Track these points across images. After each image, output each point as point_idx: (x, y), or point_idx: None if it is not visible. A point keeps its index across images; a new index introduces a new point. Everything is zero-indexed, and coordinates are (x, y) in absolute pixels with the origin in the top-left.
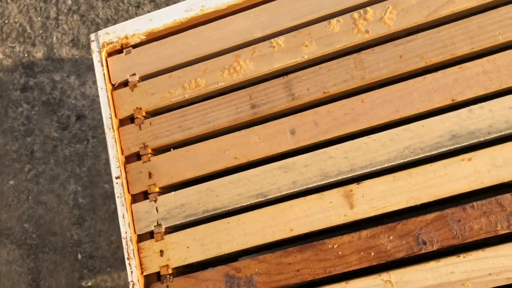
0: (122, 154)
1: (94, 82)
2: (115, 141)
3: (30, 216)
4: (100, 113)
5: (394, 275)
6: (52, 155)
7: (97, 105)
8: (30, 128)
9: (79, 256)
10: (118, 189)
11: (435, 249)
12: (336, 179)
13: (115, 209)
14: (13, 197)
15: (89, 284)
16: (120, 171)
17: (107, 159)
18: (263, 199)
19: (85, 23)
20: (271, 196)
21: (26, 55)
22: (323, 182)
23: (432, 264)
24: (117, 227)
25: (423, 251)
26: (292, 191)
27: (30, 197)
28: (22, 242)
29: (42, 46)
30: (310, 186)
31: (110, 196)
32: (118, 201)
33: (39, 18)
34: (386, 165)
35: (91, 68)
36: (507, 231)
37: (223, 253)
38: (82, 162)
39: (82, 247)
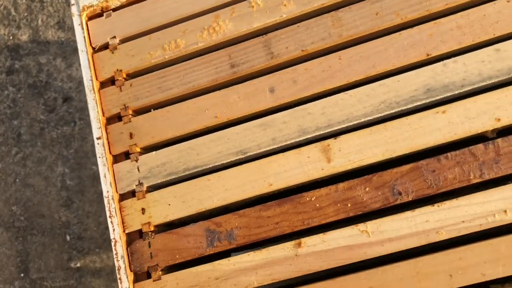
0: (103, 115)
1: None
2: (96, 103)
3: (18, 198)
4: None
5: (371, 225)
6: (39, 137)
7: (84, 87)
8: (16, 111)
9: (68, 237)
10: (100, 149)
11: (410, 199)
12: (314, 134)
13: None
14: (0, 180)
15: (78, 265)
16: (101, 132)
17: None
18: (243, 156)
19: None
20: (251, 153)
21: (11, 38)
22: (301, 138)
23: (407, 213)
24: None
25: (398, 201)
26: (271, 147)
27: (17, 180)
28: (10, 225)
29: (28, 29)
30: (289, 142)
31: (98, 178)
32: (99, 161)
33: (23, 1)
34: (362, 120)
35: (77, 50)
36: (480, 180)
37: (204, 209)
38: (70, 144)
39: (71, 229)
